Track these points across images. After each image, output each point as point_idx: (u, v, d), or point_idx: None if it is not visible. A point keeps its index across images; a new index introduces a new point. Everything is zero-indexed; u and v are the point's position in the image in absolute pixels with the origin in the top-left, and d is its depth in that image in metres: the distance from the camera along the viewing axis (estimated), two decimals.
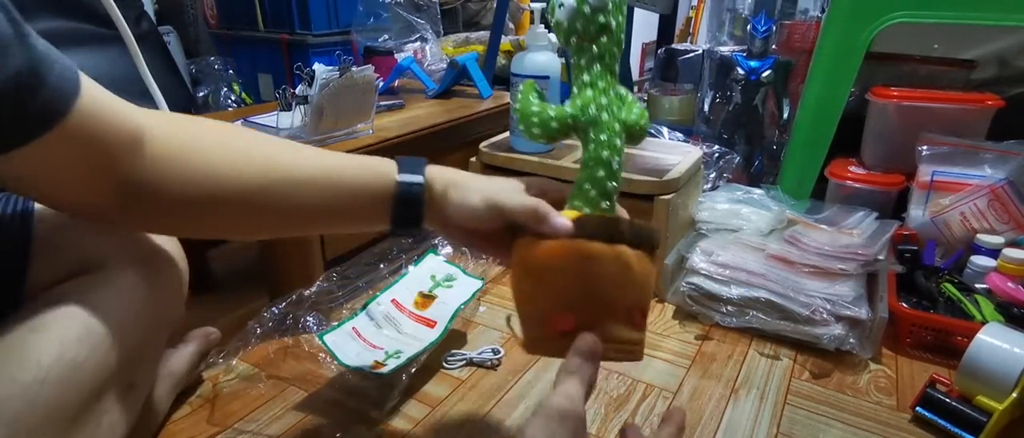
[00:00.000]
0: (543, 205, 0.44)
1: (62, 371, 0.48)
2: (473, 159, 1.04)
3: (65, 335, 0.49)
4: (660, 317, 0.87)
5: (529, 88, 0.50)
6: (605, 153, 0.46)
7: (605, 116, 0.46)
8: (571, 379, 0.40)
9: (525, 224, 0.45)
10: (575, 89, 0.48)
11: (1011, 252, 0.83)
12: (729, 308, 0.82)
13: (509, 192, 0.47)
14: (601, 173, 0.46)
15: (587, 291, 0.43)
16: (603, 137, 0.46)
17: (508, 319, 0.85)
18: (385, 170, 0.48)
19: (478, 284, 0.84)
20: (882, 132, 1.10)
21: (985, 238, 0.89)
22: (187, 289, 0.65)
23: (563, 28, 0.47)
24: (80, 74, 0.38)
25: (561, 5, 0.46)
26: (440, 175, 0.49)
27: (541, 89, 0.50)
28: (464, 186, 0.48)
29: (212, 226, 0.48)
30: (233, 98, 1.77)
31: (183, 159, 0.43)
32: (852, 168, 1.11)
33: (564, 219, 0.44)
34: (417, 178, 0.48)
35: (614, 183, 0.47)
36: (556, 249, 0.43)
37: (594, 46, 0.46)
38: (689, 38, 2.65)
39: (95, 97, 0.39)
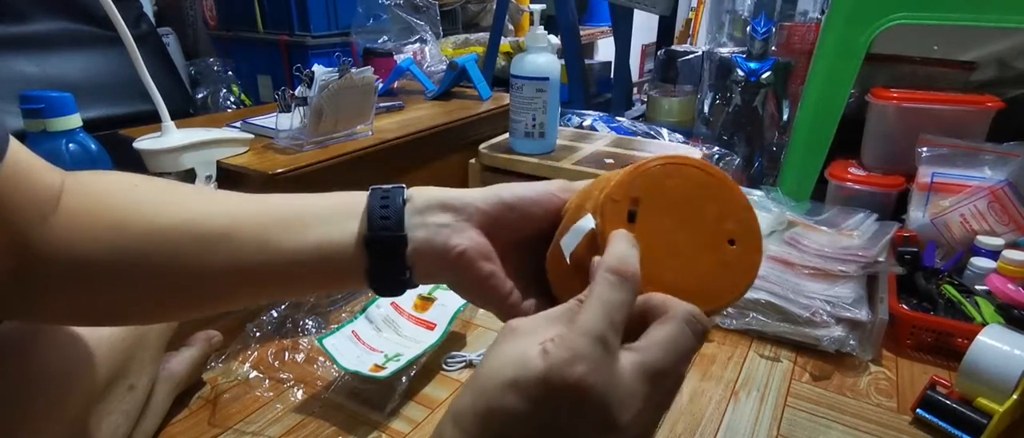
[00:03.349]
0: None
1: (62, 374, 0.48)
2: (473, 161, 1.04)
3: (64, 339, 0.49)
4: None
5: None
6: None
7: None
8: (678, 322, 0.27)
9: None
10: None
11: (1011, 254, 0.83)
12: (729, 310, 0.82)
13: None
14: None
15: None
16: None
17: None
18: (352, 205, 0.37)
19: None
20: (882, 133, 1.10)
21: (985, 240, 0.89)
22: None
23: None
24: (9, 134, 0.33)
25: None
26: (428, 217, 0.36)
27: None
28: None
29: (124, 301, 0.37)
30: (232, 100, 1.77)
31: (90, 215, 0.35)
32: (852, 169, 1.11)
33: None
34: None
35: None
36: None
37: None
38: (689, 39, 2.65)
39: (20, 160, 0.34)
